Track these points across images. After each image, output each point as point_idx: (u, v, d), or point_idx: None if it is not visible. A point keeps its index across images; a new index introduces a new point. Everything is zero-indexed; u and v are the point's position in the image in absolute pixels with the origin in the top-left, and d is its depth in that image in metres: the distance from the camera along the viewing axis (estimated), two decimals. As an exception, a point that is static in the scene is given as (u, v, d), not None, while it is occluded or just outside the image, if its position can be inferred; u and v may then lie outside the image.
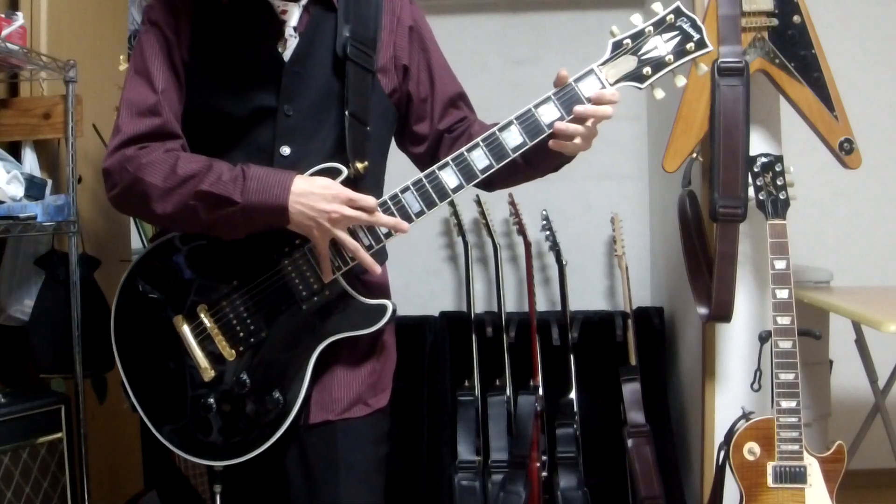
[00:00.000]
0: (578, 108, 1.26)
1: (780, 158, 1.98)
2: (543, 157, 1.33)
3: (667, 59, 1.27)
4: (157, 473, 2.55)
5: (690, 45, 1.26)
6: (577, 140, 1.27)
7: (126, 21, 2.66)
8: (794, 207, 1.96)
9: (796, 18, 2.05)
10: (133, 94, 1.32)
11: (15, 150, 2.16)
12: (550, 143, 1.28)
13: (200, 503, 2.47)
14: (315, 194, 1.22)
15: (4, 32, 1.96)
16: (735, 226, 2.03)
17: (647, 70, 1.27)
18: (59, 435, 2.04)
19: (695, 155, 2.16)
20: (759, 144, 2.18)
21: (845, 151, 2.07)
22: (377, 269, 1.28)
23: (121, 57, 2.35)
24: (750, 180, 2.00)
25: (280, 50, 1.32)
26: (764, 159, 1.98)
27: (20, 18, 2.04)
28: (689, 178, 2.37)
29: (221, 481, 1.39)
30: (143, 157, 1.27)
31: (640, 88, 1.28)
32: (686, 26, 1.26)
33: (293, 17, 1.33)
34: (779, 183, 1.96)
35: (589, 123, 1.27)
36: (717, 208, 2.01)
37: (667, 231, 2.81)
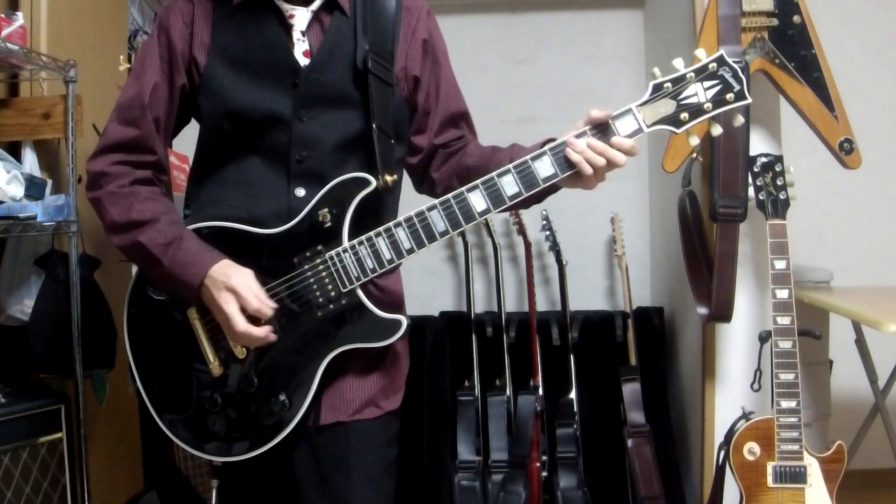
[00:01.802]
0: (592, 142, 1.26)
1: (780, 158, 1.98)
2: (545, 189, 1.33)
3: (705, 106, 1.26)
4: (157, 473, 2.55)
5: (730, 96, 1.26)
6: (590, 174, 1.29)
7: (126, 21, 2.66)
8: (794, 207, 1.97)
9: (796, 18, 2.05)
10: (124, 98, 1.36)
11: (15, 150, 2.16)
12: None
13: (200, 503, 2.47)
14: (215, 281, 1.26)
15: (4, 32, 1.96)
16: (735, 226, 2.03)
17: (684, 115, 1.27)
18: (59, 435, 2.03)
19: (695, 155, 2.15)
20: (759, 144, 2.18)
21: (845, 151, 2.07)
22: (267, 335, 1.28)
23: (121, 57, 2.35)
24: (750, 180, 2.00)
25: (295, 55, 1.33)
26: (764, 159, 1.98)
27: (20, 18, 2.04)
28: (689, 178, 2.37)
29: (219, 477, 1.39)
30: (112, 183, 1.32)
31: (676, 133, 1.29)
32: (728, 76, 1.26)
33: (301, 21, 1.33)
34: (779, 183, 1.96)
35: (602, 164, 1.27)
36: (717, 208, 2.01)
37: (667, 231, 2.81)
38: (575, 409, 2.69)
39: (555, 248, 2.87)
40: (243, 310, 1.25)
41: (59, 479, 2.03)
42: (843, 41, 2.87)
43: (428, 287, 3.13)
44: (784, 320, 1.90)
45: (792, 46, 2.06)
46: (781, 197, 1.95)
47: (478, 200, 1.28)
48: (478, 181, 1.28)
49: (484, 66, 3.11)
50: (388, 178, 1.31)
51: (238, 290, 1.25)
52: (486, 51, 3.12)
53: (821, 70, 2.06)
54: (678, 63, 1.27)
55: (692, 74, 1.27)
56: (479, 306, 2.99)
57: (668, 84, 1.27)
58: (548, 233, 2.88)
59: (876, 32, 3.06)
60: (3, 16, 2.00)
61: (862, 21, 3.05)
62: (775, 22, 2.05)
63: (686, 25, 2.39)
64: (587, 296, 3.09)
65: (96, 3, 2.46)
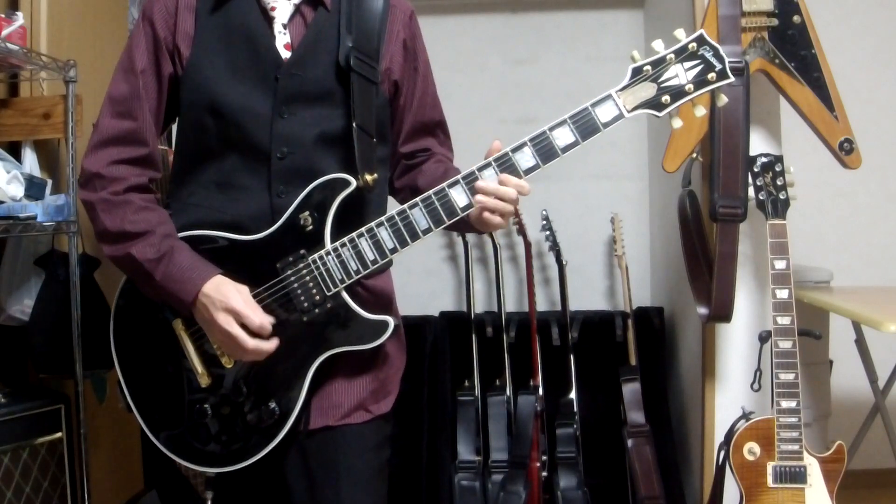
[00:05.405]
0: (480, 185, 1.25)
1: (780, 158, 1.98)
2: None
3: (687, 88, 1.24)
4: (157, 473, 2.55)
5: (712, 75, 1.24)
6: (490, 213, 1.27)
7: (126, 21, 2.66)
8: (794, 207, 1.97)
9: (796, 18, 2.05)
10: (115, 90, 1.34)
11: (15, 150, 2.16)
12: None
13: (200, 503, 2.47)
14: (213, 301, 1.25)
15: (4, 32, 1.96)
16: (735, 226, 2.03)
17: (665, 98, 1.25)
18: (59, 435, 2.04)
19: (695, 155, 2.16)
20: (759, 144, 2.18)
21: (845, 151, 2.07)
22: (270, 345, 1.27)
23: (121, 57, 2.35)
24: (750, 180, 2.00)
25: (277, 47, 1.32)
26: (764, 159, 1.98)
27: (20, 18, 2.04)
28: (689, 178, 2.37)
29: (213, 488, 1.38)
30: (106, 189, 1.29)
31: (657, 116, 1.26)
32: (709, 55, 1.24)
33: (283, 13, 1.32)
34: (779, 183, 1.96)
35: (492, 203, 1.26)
36: (717, 208, 2.01)
37: (667, 231, 2.81)
38: (575, 409, 2.68)
39: (555, 248, 2.87)
40: (245, 327, 1.25)
41: (59, 479, 2.03)
42: (843, 41, 2.87)
43: (428, 287, 3.13)
44: (784, 320, 1.90)
45: (792, 46, 2.06)
46: (781, 197, 1.95)
47: (459, 196, 1.27)
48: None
49: (484, 66, 3.11)
50: (369, 178, 1.29)
51: (238, 309, 1.24)
52: (486, 51, 3.12)
53: (821, 70, 2.06)
54: (657, 45, 1.25)
55: (672, 56, 1.24)
56: (479, 306, 2.99)
57: (648, 67, 1.25)
58: (548, 233, 2.88)
59: (876, 32, 3.06)
60: (3, 16, 2.00)
61: (862, 21, 3.05)
62: (775, 22, 2.05)
63: (686, 26, 2.38)
64: (587, 296, 3.09)
65: (96, 3, 2.46)
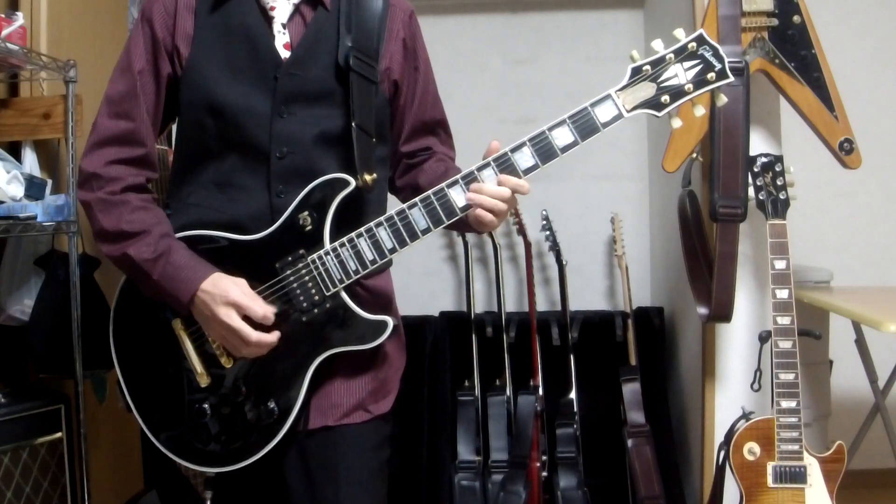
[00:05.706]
0: (474, 185, 1.26)
1: (780, 158, 1.98)
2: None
3: (686, 87, 1.24)
4: (157, 473, 2.55)
5: (711, 75, 1.24)
6: (488, 214, 1.27)
7: (126, 21, 2.66)
8: (794, 207, 1.97)
9: (796, 18, 2.05)
10: (113, 90, 1.35)
11: (15, 150, 2.16)
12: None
13: (200, 503, 2.47)
14: (213, 296, 1.25)
15: (4, 32, 1.96)
16: (735, 226, 2.03)
17: (665, 98, 1.24)
18: (59, 435, 2.04)
19: (695, 155, 2.16)
20: (759, 144, 2.18)
21: (845, 151, 2.07)
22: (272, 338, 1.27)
23: (121, 57, 2.35)
24: (750, 180, 2.00)
25: (276, 47, 1.32)
26: (764, 159, 1.98)
27: (20, 18, 2.04)
28: (689, 178, 2.37)
29: (213, 487, 1.38)
30: (103, 189, 1.30)
31: (657, 116, 1.26)
32: (708, 55, 1.24)
33: (282, 13, 1.32)
34: (779, 183, 1.96)
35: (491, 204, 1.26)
36: (717, 208, 2.01)
37: (667, 231, 2.81)
38: (575, 409, 2.68)
39: (555, 248, 2.87)
40: (247, 319, 1.25)
41: (59, 479, 2.04)
42: (843, 41, 2.87)
43: (428, 287, 3.13)
44: (784, 320, 1.90)
45: (792, 46, 2.06)
46: (781, 197, 1.95)
47: (458, 196, 1.27)
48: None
49: (484, 66, 3.11)
50: (368, 178, 1.29)
51: (239, 301, 1.24)
52: (486, 51, 3.12)
53: (821, 70, 2.06)
54: (657, 44, 1.25)
55: (671, 55, 1.24)
56: (479, 306, 2.99)
57: (648, 67, 1.25)
58: (548, 233, 2.88)
59: (876, 32, 3.06)
60: (3, 16, 2.00)
61: (862, 21, 3.05)
62: (775, 22, 2.05)
63: (686, 26, 2.38)
64: (587, 296, 3.09)
65: (96, 3, 2.46)
